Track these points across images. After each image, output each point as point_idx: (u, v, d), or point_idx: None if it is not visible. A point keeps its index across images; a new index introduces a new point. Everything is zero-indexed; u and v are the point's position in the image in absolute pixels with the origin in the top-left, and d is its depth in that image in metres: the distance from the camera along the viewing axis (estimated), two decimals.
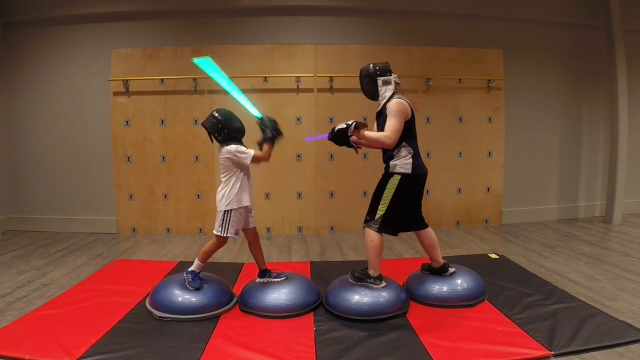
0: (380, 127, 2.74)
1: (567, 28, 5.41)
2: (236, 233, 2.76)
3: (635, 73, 5.46)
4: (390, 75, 2.74)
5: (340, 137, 2.71)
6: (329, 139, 2.78)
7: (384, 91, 2.72)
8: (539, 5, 5.23)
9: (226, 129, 2.70)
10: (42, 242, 4.61)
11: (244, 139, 2.81)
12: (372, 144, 2.70)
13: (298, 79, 4.90)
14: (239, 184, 2.72)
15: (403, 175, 2.68)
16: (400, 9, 5.02)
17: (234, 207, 2.71)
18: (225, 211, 2.71)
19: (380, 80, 2.72)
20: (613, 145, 5.30)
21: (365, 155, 4.91)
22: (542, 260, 3.86)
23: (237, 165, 2.70)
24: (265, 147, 2.74)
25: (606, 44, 5.27)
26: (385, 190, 2.69)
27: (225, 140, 2.73)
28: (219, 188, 2.76)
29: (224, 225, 2.72)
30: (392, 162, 2.71)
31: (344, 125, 2.67)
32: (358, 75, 2.82)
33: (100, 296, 2.99)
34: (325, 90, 4.96)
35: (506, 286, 3.11)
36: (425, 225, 2.94)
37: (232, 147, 2.68)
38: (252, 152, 2.69)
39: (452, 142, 5.16)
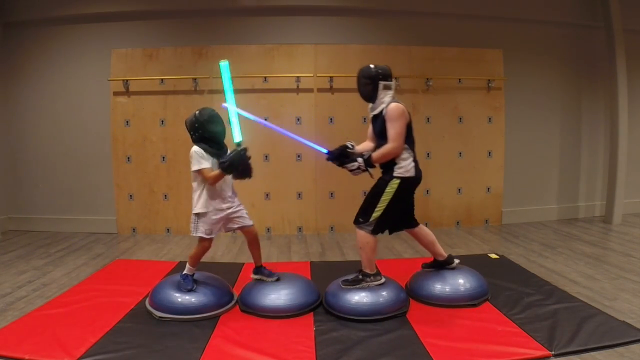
0: (377, 131, 2.75)
1: (567, 28, 5.41)
2: (207, 233, 2.69)
3: (635, 73, 5.45)
4: (392, 80, 2.72)
5: (342, 160, 2.75)
6: (328, 159, 2.82)
7: (384, 96, 2.68)
8: (539, 5, 5.22)
9: (201, 129, 2.57)
10: (42, 242, 4.61)
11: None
12: (384, 159, 2.68)
13: (298, 79, 4.89)
14: (207, 187, 2.64)
15: (402, 179, 2.67)
16: (400, 9, 5.01)
17: (201, 210, 2.66)
18: (194, 214, 2.68)
19: (382, 84, 2.66)
20: (613, 145, 5.30)
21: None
22: (542, 260, 3.86)
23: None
24: (216, 172, 2.55)
25: (606, 44, 5.26)
26: (384, 194, 2.68)
27: (198, 141, 2.61)
28: (193, 189, 2.69)
29: (193, 226, 2.69)
30: (392, 166, 2.69)
31: (356, 166, 2.69)
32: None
33: (100, 296, 2.99)
34: (325, 90, 4.95)
35: (506, 286, 3.11)
36: (417, 224, 2.93)
37: (196, 148, 2.59)
38: (204, 166, 2.56)
39: (452, 142, 5.16)
